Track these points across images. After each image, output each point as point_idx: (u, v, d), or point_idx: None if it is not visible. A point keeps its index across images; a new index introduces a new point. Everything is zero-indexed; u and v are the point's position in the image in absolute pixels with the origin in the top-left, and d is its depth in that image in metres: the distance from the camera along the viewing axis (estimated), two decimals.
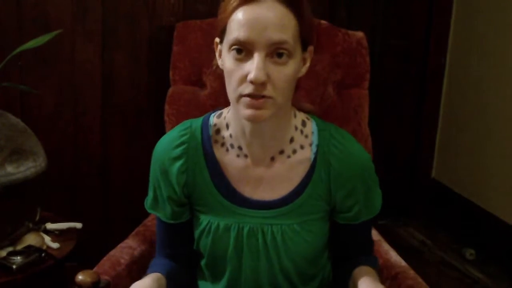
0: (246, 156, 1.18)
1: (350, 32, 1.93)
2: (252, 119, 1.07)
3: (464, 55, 2.82)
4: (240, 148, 1.18)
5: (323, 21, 1.93)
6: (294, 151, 1.18)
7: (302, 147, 1.18)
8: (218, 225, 1.18)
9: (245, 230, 1.18)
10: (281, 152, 1.18)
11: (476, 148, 2.77)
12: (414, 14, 2.80)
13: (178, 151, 1.19)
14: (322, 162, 1.17)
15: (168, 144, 1.20)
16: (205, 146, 1.19)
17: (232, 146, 1.18)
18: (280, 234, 1.17)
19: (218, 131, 1.20)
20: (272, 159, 1.18)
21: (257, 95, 1.04)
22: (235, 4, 1.05)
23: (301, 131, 1.19)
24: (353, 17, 2.53)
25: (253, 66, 1.02)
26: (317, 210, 1.19)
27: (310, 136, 1.19)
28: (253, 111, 1.05)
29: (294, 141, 1.18)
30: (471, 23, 2.76)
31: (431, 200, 3.04)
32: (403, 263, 1.55)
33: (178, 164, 1.19)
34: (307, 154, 1.18)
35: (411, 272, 1.50)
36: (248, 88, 1.04)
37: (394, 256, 1.59)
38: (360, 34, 1.93)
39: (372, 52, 1.95)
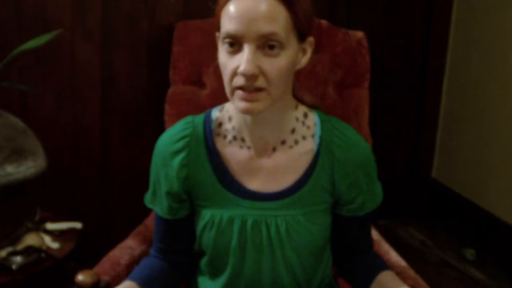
0: (249, 147, 1.18)
1: (350, 32, 1.93)
2: (246, 112, 1.07)
3: (464, 55, 2.82)
4: (243, 140, 1.18)
5: (323, 21, 1.93)
6: (296, 142, 1.19)
7: (304, 138, 1.19)
8: (221, 218, 1.18)
9: (249, 222, 1.18)
10: (283, 142, 1.18)
11: (476, 148, 2.77)
12: (414, 14, 2.80)
13: (180, 144, 1.19)
14: (326, 153, 1.18)
15: (170, 138, 1.21)
16: (207, 139, 1.20)
17: (235, 138, 1.19)
18: (284, 225, 1.17)
19: (220, 124, 1.21)
20: (274, 149, 1.18)
21: (250, 88, 1.05)
22: None
23: (303, 123, 1.19)
24: (353, 17, 2.53)
25: (243, 59, 1.03)
26: (321, 202, 1.20)
27: (313, 127, 1.20)
28: (247, 104, 1.06)
29: (296, 132, 1.19)
30: (471, 23, 2.76)
31: (431, 200, 3.04)
32: (403, 263, 1.55)
33: (179, 157, 1.19)
34: (310, 145, 1.19)
35: (411, 272, 1.50)
36: (240, 81, 1.05)
37: (394, 256, 1.59)
38: (360, 34, 1.93)
39: (372, 52, 1.95)
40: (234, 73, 1.05)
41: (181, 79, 1.88)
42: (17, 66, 1.92)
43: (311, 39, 1.13)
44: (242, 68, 1.03)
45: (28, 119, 1.79)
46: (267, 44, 1.04)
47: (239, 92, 1.05)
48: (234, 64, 1.05)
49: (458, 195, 2.88)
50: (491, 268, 2.59)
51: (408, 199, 3.04)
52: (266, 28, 1.03)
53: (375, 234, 1.68)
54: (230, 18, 1.04)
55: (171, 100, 1.87)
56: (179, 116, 1.82)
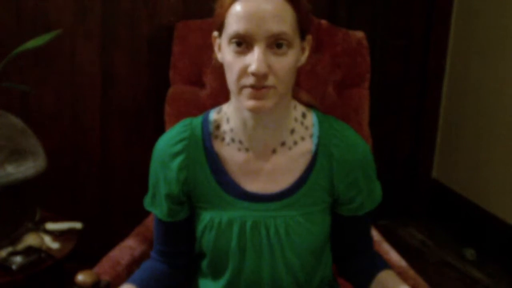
0: (247, 149, 1.18)
1: (350, 32, 1.93)
2: (255, 110, 1.07)
3: (464, 55, 2.82)
4: (241, 142, 1.18)
5: (323, 21, 1.93)
6: (295, 143, 1.19)
7: (302, 138, 1.19)
8: (220, 220, 1.19)
9: (248, 224, 1.18)
10: (283, 144, 1.18)
11: (476, 148, 2.77)
12: (414, 14, 2.80)
13: (178, 147, 1.19)
14: (324, 153, 1.18)
15: (169, 140, 1.21)
16: (205, 142, 1.20)
17: (233, 140, 1.19)
18: (283, 226, 1.18)
19: (218, 126, 1.21)
20: (274, 151, 1.18)
21: (259, 86, 1.05)
22: None
23: (301, 123, 1.20)
24: (353, 17, 2.53)
25: (253, 58, 1.04)
26: (320, 202, 1.20)
27: (311, 127, 1.20)
28: (256, 102, 1.06)
29: (295, 133, 1.19)
30: (471, 24, 2.76)
31: (431, 200, 3.04)
32: (403, 263, 1.55)
33: (178, 160, 1.19)
34: (308, 145, 1.19)
35: (411, 272, 1.50)
36: (249, 80, 1.05)
37: (394, 256, 1.59)
38: (360, 34, 1.93)
39: (372, 52, 1.95)
40: (243, 73, 1.06)
41: (181, 79, 1.88)
42: (17, 66, 1.92)
43: (309, 37, 1.15)
44: (254, 68, 1.03)
45: (28, 119, 1.80)
46: (275, 43, 1.05)
47: (248, 90, 1.06)
48: (242, 63, 1.05)
49: (458, 195, 2.88)
50: (491, 268, 2.59)
51: (408, 199, 3.04)
52: (276, 27, 1.04)
53: (375, 234, 1.68)
54: (238, 18, 1.05)
55: (171, 100, 1.87)
56: (179, 116, 1.82)
